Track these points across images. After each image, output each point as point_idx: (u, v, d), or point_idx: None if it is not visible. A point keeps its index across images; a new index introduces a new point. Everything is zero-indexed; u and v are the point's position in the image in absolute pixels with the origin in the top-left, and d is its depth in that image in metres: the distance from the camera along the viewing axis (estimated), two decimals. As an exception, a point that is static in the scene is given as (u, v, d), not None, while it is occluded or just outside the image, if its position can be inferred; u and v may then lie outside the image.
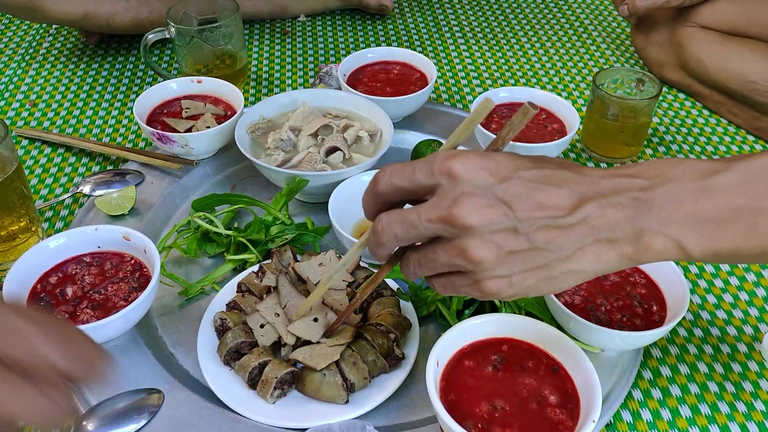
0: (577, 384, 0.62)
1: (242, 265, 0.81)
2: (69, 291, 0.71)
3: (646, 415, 0.69)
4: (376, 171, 0.51)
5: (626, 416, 0.69)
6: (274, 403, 0.66)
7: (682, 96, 1.15)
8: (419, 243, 0.51)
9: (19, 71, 1.20)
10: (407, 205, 0.51)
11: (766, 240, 0.47)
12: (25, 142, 1.03)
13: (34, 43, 1.29)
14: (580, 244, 0.47)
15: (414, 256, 0.51)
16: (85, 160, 1.00)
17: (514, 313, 0.72)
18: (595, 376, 0.60)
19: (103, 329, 0.66)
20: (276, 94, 1.15)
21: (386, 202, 0.50)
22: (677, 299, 0.70)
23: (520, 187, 0.46)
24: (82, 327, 0.65)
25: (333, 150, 0.88)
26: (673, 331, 0.77)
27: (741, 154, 0.47)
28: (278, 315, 0.69)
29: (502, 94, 0.99)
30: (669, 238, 0.47)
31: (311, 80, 1.18)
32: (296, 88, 1.17)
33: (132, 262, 0.74)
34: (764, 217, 0.46)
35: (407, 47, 1.28)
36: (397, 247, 0.52)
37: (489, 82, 1.19)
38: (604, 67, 1.23)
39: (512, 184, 0.46)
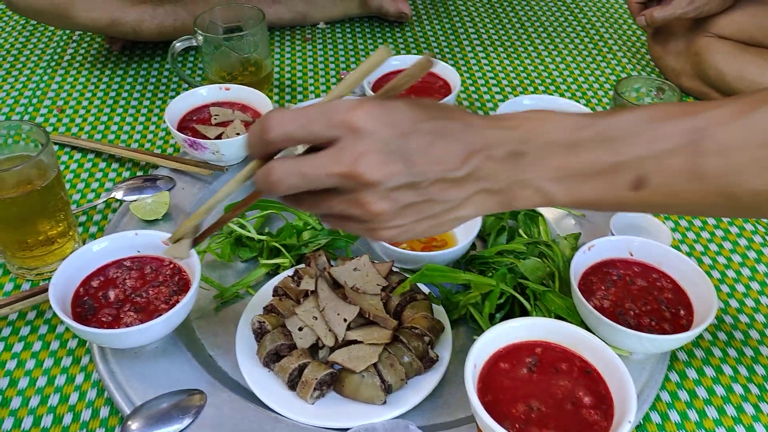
0: (610, 386, 0.63)
1: (275, 270, 0.83)
2: (111, 294, 0.72)
3: (674, 416, 0.71)
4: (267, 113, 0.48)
5: (655, 417, 0.71)
6: (313, 403, 0.67)
7: (698, 104, 1.17)
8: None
9: (45, 77, 1.22)
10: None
11: (622, 192, 0.50)
12: (55, 148, 1.05)
13: (58, 50, 1.31)
14: (466, 195, 0.50)
15: (307, 198, 0.50)
16: (115, 165, 1.02)
17: (545, 317, 0.73)
18: (629, 378, 0.62)
19: (146, 332, 0.68)
20: (299, 100, 1.17)
21: (276, 148, 0.49)
22: (704, 303, 0.72)
23: (419, 140, 0.47)
24: (125, 330, 0.67)
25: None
26: (698, 335, 0.78)
27: (610, 110, 0.54)
28: (316, 318, 0.71)
29: (526, 102, 1.01)
30: (536, 190, 0.51)
31: (333, 87, 1.20)
32: (319, 95, 1.19)
33: (171, 266, 0.76)
34: (621, 172, 0.50)
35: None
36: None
37: (508, 89, 1.21)
38: (622, 75, 1.25)
39: (412, 138, 0.47)
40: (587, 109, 0.99)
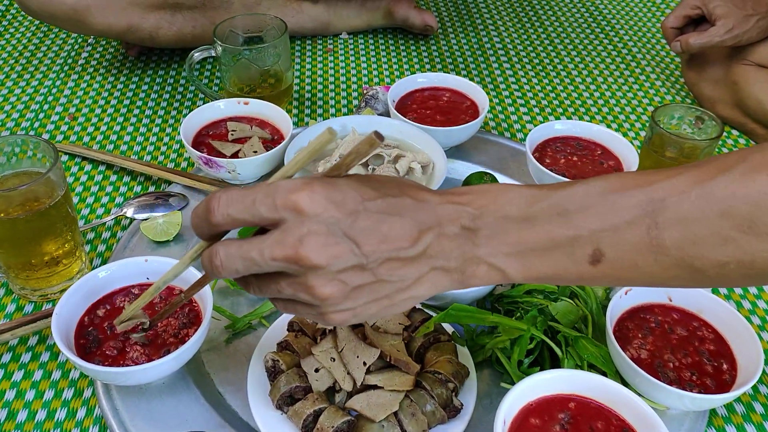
0: (650, 449, 0.59)
1: (290, 300, 0.78)
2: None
3: (714, 478, 0.66)
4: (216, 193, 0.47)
5: (693, 480, 0.66)
6: (328, 452, 0.63)
7: (735, 133, 1.12)
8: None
9: (58, 82, 1.19)
10: None
11: (581, 267, 0.49)
12: (65, 158, 1.02)
13: (72, 53, 1.27)
14: (419, 274, 0.49)
15: (254, 282, 0.49)
16: (126, 179, 0.98)
17: (577, 365, 0.69)
18: (672, 443, 0.57)
19: (153, 371, 0.64)
20: (319, 114, 1.13)
21: (221, 230, 0.48)
22: (747, 356, 0.68)
23: (367, 220, 0.46)
24: (130, 369, 0.63)
25: (385, 182, 0.86)
26: (739, 388, 0.74)
27: (565, 181, 0.52)
28: (334, 359, 0.67)
29: (558, 127, 0.96)
30: (493, 267, 0.50)
31: (355, 102, 1.16)
32: (340, 109, 1.14)
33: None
34: (578, 247, 0.49)
35: (452, 70, 1.25)
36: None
37: (537, 110, 1.16)
38: (655, 99, 1.20)
39: (359, 218, 0.46)
40: (620, 136, 0.94)
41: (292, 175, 0.49)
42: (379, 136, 0.45)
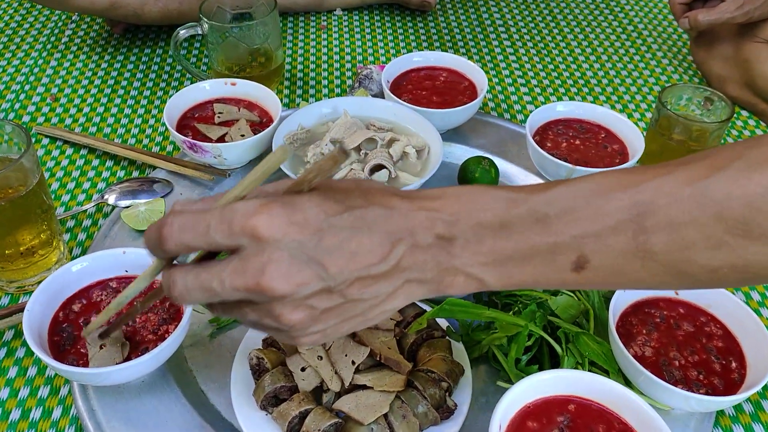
0: (655, 455, 0.55)
1: (278, 292, 0.75)
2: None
3: (720, 482, 0.63)
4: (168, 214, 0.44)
5: (699, 483, 0.63)
6: (314, 456, 0.60)
7: (745, 114, 1.07)
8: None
9: (40, 61, 1.14)
10: None
11: (566, 274, 0.46)
12: (45, 141, 0.97)
13: (56, 31, 1.22)
14: (393, 289, 0.46)
15: (219, 306, 0.46)
16: (109, 163, 0.94)
17: (578, 362, 0.65)
18: (678, 450, 0.54)
19: (129, 371, 0.60)
20: (311, 95, 1.09)
21: (175, 256, 0.45)
22: (758, 354, 0.64)
23: (333, 238, 0.43)
24: (105, 369, 0.59)
25: (378, 168, 0.82)
26: (747, 386, 0.70)
27: (544, 183, 0.48)
28: (321, 358, 0.63)
29: (560, 108, 0.92)
30: (470, 276, 0.47)
31: (349, 82, 1.11)
32: (333, 90, 1.10)
33: (161, 289, 0.68)
34: (560, 254, 0.46)
35: (450, 48, 1.21)
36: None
37: (537, 90, 1.11)
38: (662, 78, 1.15)
39: (324, 237, 0.42)
40: (625, 119, 0.89)
41: (245, 197, 0.44)
42: (344, 152, 0.42)
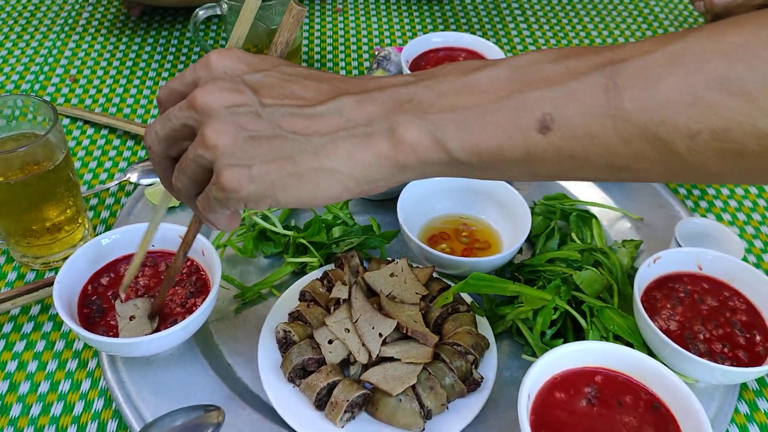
0: (681, 424, 0.56)
1: (301, 268, 0.75)
2: (123, 296, 0.65)
3: (745, 454, 0.63)
4: None
5: (724, 455, 0.63)
6: (342, 426, 0.60)
7: (763, 95, 1.07)
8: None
9: (58, 43, 1.14)
10: None
11: (529, 135, 0.41)
12: (66, 121, 0.98)
13: (73, 13, 1.22)
14: (330, 138, 0.42)
15: (176, 168, 0.46)
16: (130, 143, 0.94)
17: (602, 336, 0.66)
18: (705, 418, 0.54)
19: (162, 340, 0.61)
20: (329, 77, 1.09)
21: (162, 106, 0.47)
22: (782, 328, 0.64)
23: (275, 78, 0.44)
24: (136, 339, 0.60)
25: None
26: (770, 361, 0.70)
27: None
28: (348, 330, 0.64)
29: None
30: (424, 130, 0.42)
31: (366, 64, 1.11)
32: (350, 72, 1.10)
33: (188, 264, 0.69)
34: (524, 111, 0.41)
35: (466, 30, 1.20)
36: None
37: (555, 72, 1.11)
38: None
39: (267, 75, 0.44)
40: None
41: None
42: (297, 3, 0.45)
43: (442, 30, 1.21)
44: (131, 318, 0.62)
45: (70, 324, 0.59)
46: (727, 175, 0.43)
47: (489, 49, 0.98)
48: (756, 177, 0.43)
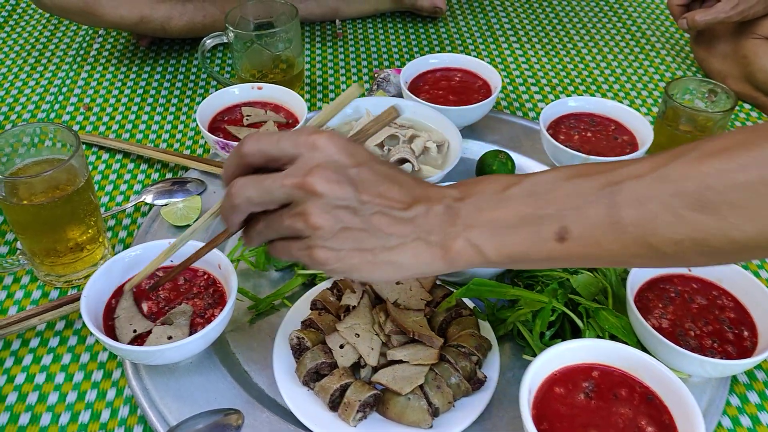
0: (675, 415, 0.59)
1: (311, 280, 0.79)
2: (144, 307, 0.69)
3: (737, 444, 0.67)
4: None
5: (716, 445, 0.67)
6: (355, 426, 0.64)
7: (747, 106, 1.12)
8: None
9: (71, 74, 1.19)
10: None
11: (548, 244, 0.52)
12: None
13: (84, 44, 1.28)
14: (404, 238, 0.52)
15: (262, 218, 0.53)
16: (143, 166, 0.99)
17: (598, 336, 0.70)
18: (696, 408, 0.58)
19: (182, 349, 0.65)
20: (331, 99, 1.13)
21: (248, 165, 0.53)
22: (768, 324, 0.68)
23: (370, 174, 0.51)
24: (160, 347, 0.64)
25: (402, 162, 0.87)
26: (759, 356, 0.74)
27: (539, 171, 0.59)
28: (358, 335, 0.68)
29: (571, 104, 0.96)
30: (468, 242, 0.53)
31: (366, 86, 1.16)
32: (351, 94, 1.15)
33: (205, 277, 0.73)
34: (545, 224, 0.52)
35: (461, 51, 1.26)
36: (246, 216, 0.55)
37: (548, 89, 1.16)
38: (666, 74, 1.20)
39: (364, 171, 0.51)
40: (634, 111, 0.94)
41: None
42: (397, 108, 0.51)
43: (438, 51, 1.26)
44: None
45: (98, 335, 0.63)
46: (706, 264, 0.56)
47: (484, 68, 1.03)
48: (732, 262, 0.56)
